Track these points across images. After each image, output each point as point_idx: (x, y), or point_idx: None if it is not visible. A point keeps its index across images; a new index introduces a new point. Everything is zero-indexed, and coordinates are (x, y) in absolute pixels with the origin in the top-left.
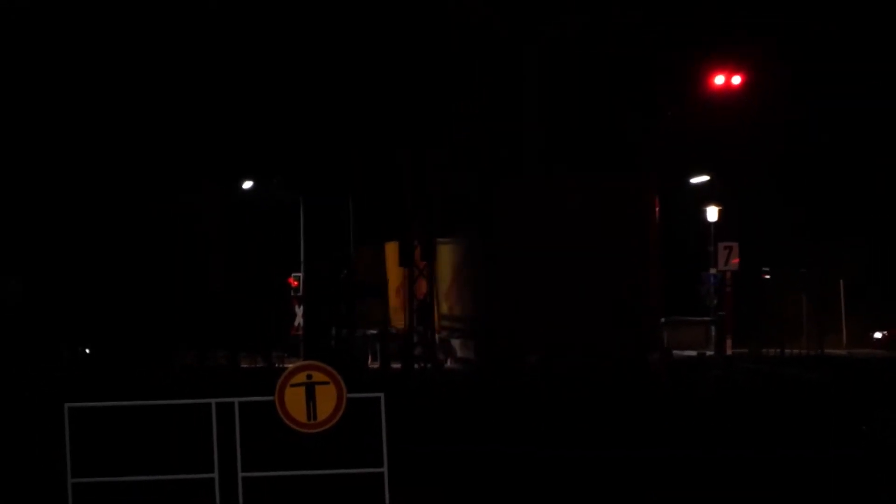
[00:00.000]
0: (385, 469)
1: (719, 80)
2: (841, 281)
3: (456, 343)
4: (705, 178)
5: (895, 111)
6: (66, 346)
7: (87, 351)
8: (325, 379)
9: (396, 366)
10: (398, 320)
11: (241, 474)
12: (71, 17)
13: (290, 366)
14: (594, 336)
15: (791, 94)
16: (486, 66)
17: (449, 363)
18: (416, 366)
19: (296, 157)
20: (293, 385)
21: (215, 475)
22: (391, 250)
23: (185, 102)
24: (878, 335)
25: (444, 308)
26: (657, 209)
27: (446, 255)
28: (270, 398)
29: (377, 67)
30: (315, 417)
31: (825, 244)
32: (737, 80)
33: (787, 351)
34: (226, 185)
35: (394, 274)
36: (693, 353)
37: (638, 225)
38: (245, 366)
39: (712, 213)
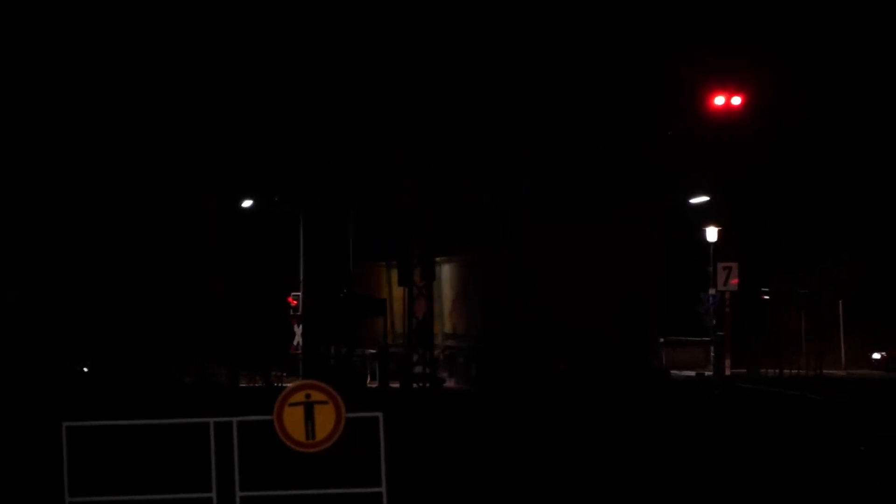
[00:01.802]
0: (384, 489)
1: (719, 100)
2: (840, 302)
3: (457, 362)
4: (705, 198)
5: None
6: (66, 362)
7: (85, 369)
8: (324, 398)
9: (395, 385)
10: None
11: (238, 494)
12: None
13: (289, 385)
14: (605, 344)
15: (791, 113)
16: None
17: (450, 383)
18: (415, 385)
19: (296, 173)
20: (292, 404)
21: (213, 494)
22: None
23: (185, 118)
24: (876, 356)
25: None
26: (659, 233)
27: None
28: (269, 417)
29: (377, 77)
30: (314, 437)
31: (824, 265)
32: (737, 100)
33: (786, 371)
34: (227, 202)
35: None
36: (692, 373)
37: (643, 249)
38: (244, 384)
39: (712, 234)
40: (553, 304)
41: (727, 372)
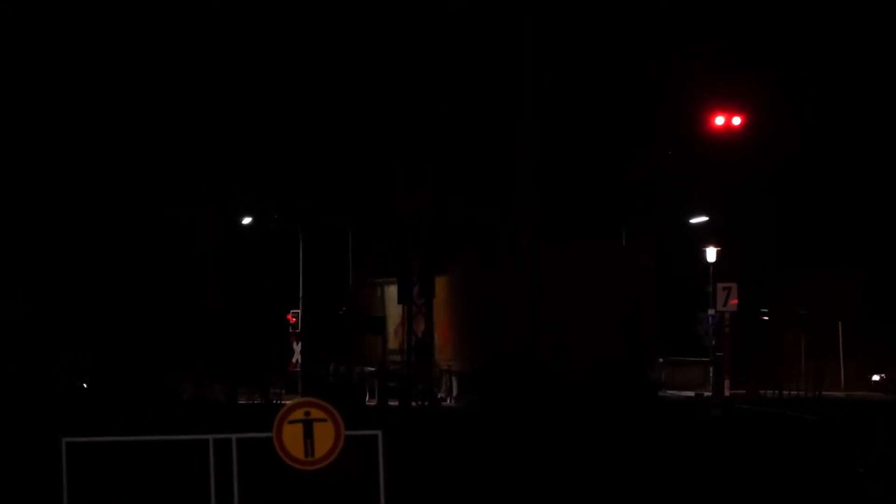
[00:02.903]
0: None
1: (719, 120)
2: (839, 323)
3: (455, 380)
4: (704, 218)
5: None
6: (64, 378)
7: (84, 385)
8: (323, 416)
9: (394, 403)
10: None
11: None
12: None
13: (288, 402)
14: (597, 356)
15: (791, 134)
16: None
17: (449, 401)
18: (413, 403)
19: (294, 190)
20: (291, 422)
21: None
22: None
23: (184, 133)
24: (876, 377)
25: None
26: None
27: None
28: (268, 434)
29: (375, 90)
30: (313, 454)
31: (824, 286)
32: (737, 121)
33: (786, 392)
34: (225, 218)
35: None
36: (691, 393)
37: (633, 265)
38: (243, 402)
39: (711, 254)
40: (545, 318)
41: (726, 392)
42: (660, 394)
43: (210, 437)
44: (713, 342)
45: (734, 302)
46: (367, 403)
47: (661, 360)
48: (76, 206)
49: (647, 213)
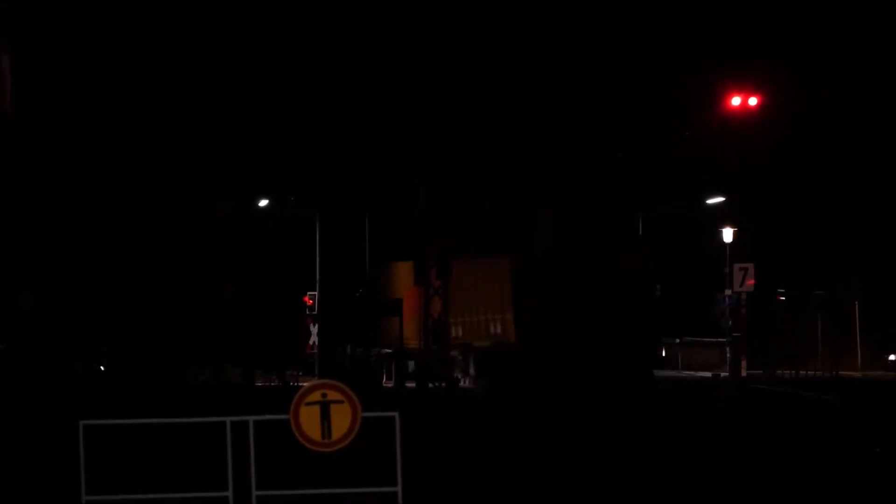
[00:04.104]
0: (399, 488)
1: (736, 101)
2: (856, 303)
3: (472, 360)
4: (721, 199)
5: None
6: (81, 362)
7: (102, 368)
8: (340, 398)
9: (411, 385)
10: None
11: (255, 493)
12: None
13: (306, 384)
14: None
15: (809, 114)
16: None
17: (466, 382)
18: (430, 385)
19: (312, 173)
20: (308, 403)
21: (229, 493)
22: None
23: (198, 119)
24: (892, 357)
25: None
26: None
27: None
28: (285, 416)
29: (392, 79)
30: (330, 436)
31: (841, 265)
32: (753, 101)
33: (802, 372)
34: (243, 202)
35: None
36: (708, 374)
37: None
38: (260, 384)
39: (727, 235)
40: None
41: (743, 373)
42: (677, 374)
43: (227, 419)
44: (730, 323)
45: (751, 283)
46: (384, 385)
47: (677, 340)
48: (91, 197)
49: (663, 197)
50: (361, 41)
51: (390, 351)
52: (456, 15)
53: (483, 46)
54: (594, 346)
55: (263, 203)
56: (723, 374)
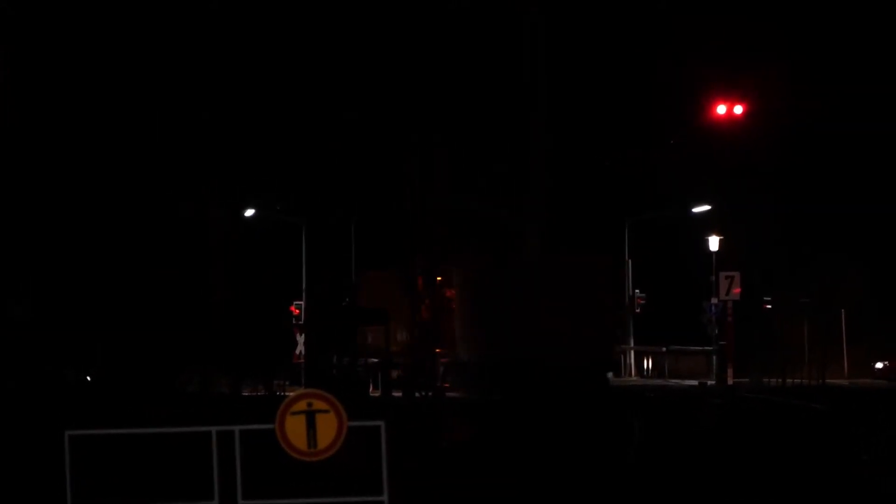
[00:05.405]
0: (385, 497)
1: (721, 109)
2: (842, 311)
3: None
4: (707, 207)
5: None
6: (71, 372)
7: (88, 378)
8: (326, 407)
9: (398, 394)
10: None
11: (241, 502)
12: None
13: (291, 394)
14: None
15: (794, 121)
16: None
17: (452, 392)
18: (417, 394)
19: (298, 182)
20: (294, 413)
21: (215, 503)
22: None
23: (187, 125)
24: (879, 365)
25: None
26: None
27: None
28: (271, 426)
29: (380, 83)
30: (315, 445)
31: (827, 274)
32: (739, 109)
33: (789, 380)
34: (229, 210)
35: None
36: (694, 382)
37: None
38: (246, 393)
39: (714, 243)
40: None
41: (730, 381)
42: (664, 383)
43: (213, 428)
44: (716, 331)
45: (737, 291)
46: (371, 394)
47: (664, 349)
48: (80, 202)
49: (650, 204)
50: (361, 41)
51: (377, 360)
52: (451, 20)
53: (479, 50)
54: (555, 353)
55: (249, 213)
56: (710, 383)
